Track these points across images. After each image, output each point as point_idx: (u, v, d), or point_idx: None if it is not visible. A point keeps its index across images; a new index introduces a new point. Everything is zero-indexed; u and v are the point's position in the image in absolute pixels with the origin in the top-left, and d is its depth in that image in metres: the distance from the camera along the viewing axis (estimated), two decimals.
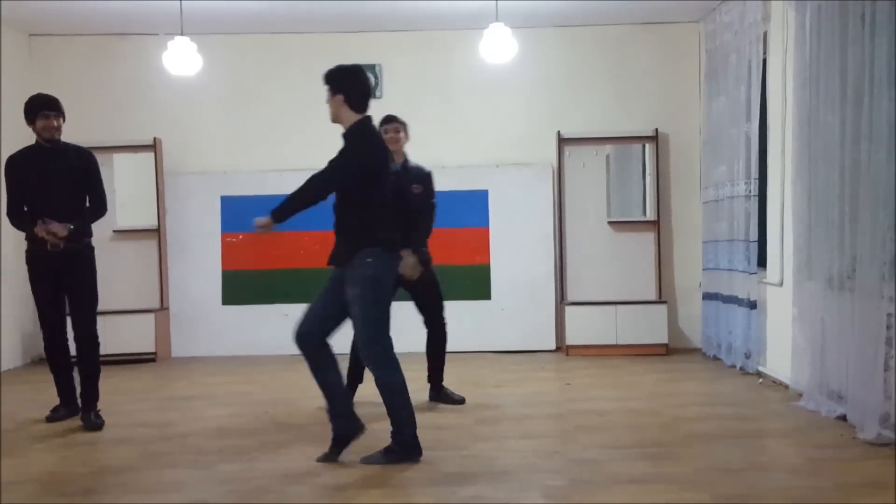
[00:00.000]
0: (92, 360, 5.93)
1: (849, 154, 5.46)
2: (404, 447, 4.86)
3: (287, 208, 4.97)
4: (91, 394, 5.93)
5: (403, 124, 6.52)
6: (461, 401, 6.37)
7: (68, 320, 6.02)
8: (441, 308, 6.45)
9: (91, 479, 4.71)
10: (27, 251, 5.95)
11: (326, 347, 4.88)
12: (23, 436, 5.70)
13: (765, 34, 7.10)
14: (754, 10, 7.16)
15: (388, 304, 4.90)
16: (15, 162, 6.02)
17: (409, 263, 5.76)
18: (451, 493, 4.32)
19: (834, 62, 5.64)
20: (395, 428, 4.88)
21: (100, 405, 6.04)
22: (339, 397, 4.95)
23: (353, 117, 5.00)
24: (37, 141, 5.97)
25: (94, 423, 5.85)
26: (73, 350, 6.03)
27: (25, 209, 5.91)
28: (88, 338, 5.89)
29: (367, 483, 4.53)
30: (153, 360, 8.33)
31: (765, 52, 7.13)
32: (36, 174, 5.84)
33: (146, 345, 8.44)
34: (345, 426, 4.92)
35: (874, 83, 5.10)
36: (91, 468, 4.93)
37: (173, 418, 5.89)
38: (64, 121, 5.96)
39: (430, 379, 6.51)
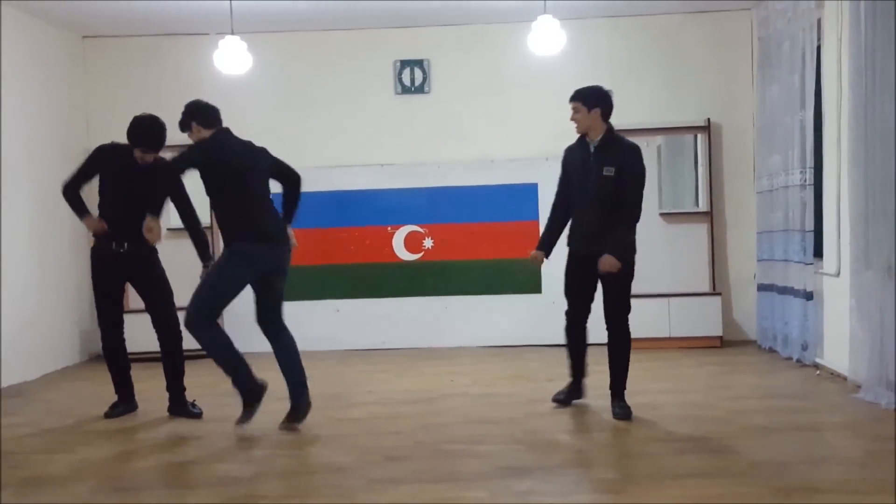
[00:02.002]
0: (181, 354, 6.12)
1: None
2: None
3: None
4: (181, 386, 6.15)
5: (580, 99, 5.76)
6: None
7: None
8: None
9: (148, 475, 4.81)
10: (93, 248, 6.08)
11: (217, 326, 5.55)
12: (81, 432, 5.83)
13: (819, 21, 7.01)
14: None
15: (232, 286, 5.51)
16: (104, 152, 6.09)
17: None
18: (505, 487, 4.34)
19: (890, 48, 5.56)
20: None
21: (158, 401, 6.19)
22: (239, 367, 5.53)
23: None
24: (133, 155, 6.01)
25: (194, 412, 6.09)
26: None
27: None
28: (175, 334, 6.05)
29: (420, 477, 4.57)
30: (206, 357, 8.46)
31: (819, 39, 7.04)
32: (116, 173, 5.95)
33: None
34: (253, 389, 5.55)
35: None
36: (149, 464, 5.04)
37: (230, 413, 5.97)
38: (159, 151, 6.00)
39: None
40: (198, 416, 6.07)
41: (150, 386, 6.44)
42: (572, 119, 5.72)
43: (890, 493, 4.06)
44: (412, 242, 8.91)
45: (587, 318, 5.90)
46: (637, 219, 5.67)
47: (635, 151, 5.66)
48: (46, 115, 8.39)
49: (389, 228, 8.91)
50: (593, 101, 5.65)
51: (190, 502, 4.28)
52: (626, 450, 5.00)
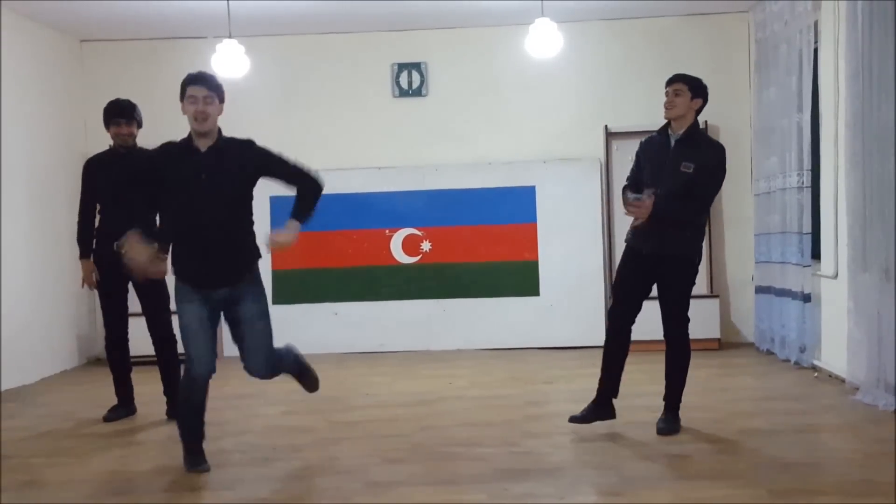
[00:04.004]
0: (176, 359, 6.03)
1: None
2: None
3: None
4: (175, 389, 6.04)
5: (687, 83, 5.31)
6: None
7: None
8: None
9: (147, 478, 4.81)
10: (95, 250, 6.09)
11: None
12: (80, 435, 5.82)
13: (815, 23, 7.01)
14: None
15: None
16: (90, 165, 6.21)
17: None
18: (503, 490, 4.34)
19: (888, 49, 5.56)
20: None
21: (153, 404, 6.22)
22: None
23: None
24: (111, 146, 6.15)
25: None
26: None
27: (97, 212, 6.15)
28: (168, 337, 6.05)
29: (418, 480, 4.57)
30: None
31: (816, 41, 7.04)
32: (105, 178, 5.97)
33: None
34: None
35: None
36: (147, 467, 5.03)
37: (228, 417, 5.98)
38: (139, 127, 6.14)
39: None
40: None
41: (148, 390, 6.42)
42: (669, 103, 5.24)
43: (890, 495, 4.06)
44: (410, 245, 8.91)
45: (633, 321, 5.42)
46: (699, 215, 5.31)
47: (720, 152, 5.29)
48: (44, 118, 8.38)
49: (387, 231, 8.90)
50: (699, 90, 5.26)
51: None
52: (624, 452, 5.00)
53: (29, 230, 8.00)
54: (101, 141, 9.06)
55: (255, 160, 4.70)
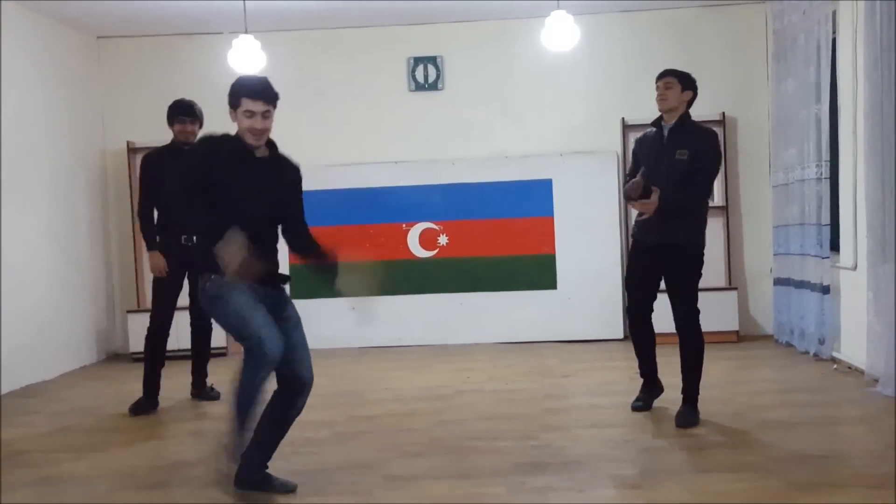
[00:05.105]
0: (209, 345, 6.60)
1: None
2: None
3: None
4: (204, 371, 6.60)
5: (677, 77, 5.46)
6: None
7: None
8: None
9: (165, 473, 4.84)
10: (160, 241, 6.20)
11: None
12: (101, 430, 5.87)
13: (833, 13, 6.97)
14: None
15: None
16: (150, 159, 6.31)
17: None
18: (521, 483, 4.35)
19: None
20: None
21: (173, 399, 6.35)
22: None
23: None
24: (172, 141, 6.28)
25: (212, 395, 6.53)
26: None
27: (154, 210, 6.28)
28: (207, 324, 6.38)
29: (437, 473, 4.58)
30: (224, 355, 8.48)
31: (834, 32, 7.00)
32: (167, 171, 5.95)
33: (217, 340, 8.55)
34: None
35: None
36: (166, 462, 5.07)
37: None
38: (201, 126, 6.23)
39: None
40: (216, 398, 6.45)
41: (169, 384, 6.48)
42: (661, 96, 5.42)
43: None
44: (427, 239, 8.92)
45: (651, 311, 5.64)
46: (702, 201, 5.46)
47: (711, 136, 5.45)
48: (63, 114, 8.43)
49: (404, 226, 8.91)
50: (689, 83, 5.44)
51: (209, 501, 4.30)
52: (643, 445, 4.99)
53: (48, 227, 8.05)
54: (119, 136, 9.21)
55: (296, 186, 4.46)
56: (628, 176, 5.68)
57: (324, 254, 4.52)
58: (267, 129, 4.22)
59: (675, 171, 5.31)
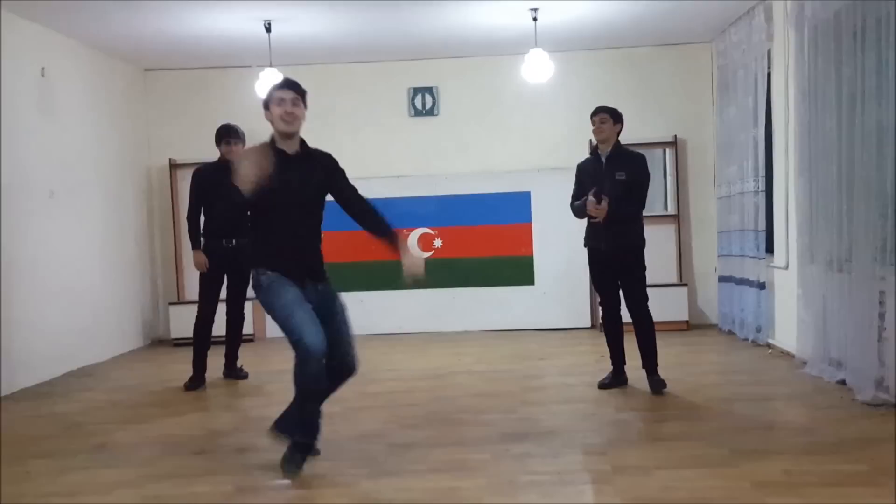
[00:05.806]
0: (241, 331, 6.58)
1: (844, 153, 5.36)
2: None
3: None
4: (236, 354, 6.57)
5: (609, 113, 5.65)
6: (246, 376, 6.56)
7: None
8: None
9: (204, 441, 4.82)
10: (205, 245, 6.18)
11: None
12: (148, 404, 5.86)
13: (769, 51, 6.99)
14: (759, 30, 7.05)
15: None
16: (201, 173, 6.28)
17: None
18: (505, 450, 4.35)
19: (830, 74, 5.54)
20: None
21: (208, 378, 6.29)
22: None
23: None
24: (219, 158, 6.22)
25: (241, 374, 6.53)
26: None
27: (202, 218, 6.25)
28: (242, 315, 6.47)
29: (432, 442, 4.58)
30: (252, 341, 8.46)
31: (769, 67, 7.01)
32: (213, 184, 5.95)
33: (246, 327, 8.55)
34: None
35: (865, 92, 5.03)
36: (203, 431, 5.05)
37: (272, 389, 5.99)
38: (244, 145, 6.16)
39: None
40: (245, 377, 6.51)
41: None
42: (597, 129, 5.62)
43: (832, 453, 4.05)
44: (424, 242, 8.91)
45: (619, 306, 5.69)
46: (640, 210, 5.57)
47: (642, 159, 5.65)
48: (114, 136, 8.39)
49: (405, 231, 8.89)
50: (618, 117, 5.66)
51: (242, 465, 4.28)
52: (608, 418, 5.00)
53: (102, 234, 8.03)
54: (162, 154, 9.17)
55: (335, 173, 4.27)
56: (574, 194, 5.81)
57: (393, 232, 4.42)
58: (297, 116, 4.03)
59: (617, 189, 5.47)
